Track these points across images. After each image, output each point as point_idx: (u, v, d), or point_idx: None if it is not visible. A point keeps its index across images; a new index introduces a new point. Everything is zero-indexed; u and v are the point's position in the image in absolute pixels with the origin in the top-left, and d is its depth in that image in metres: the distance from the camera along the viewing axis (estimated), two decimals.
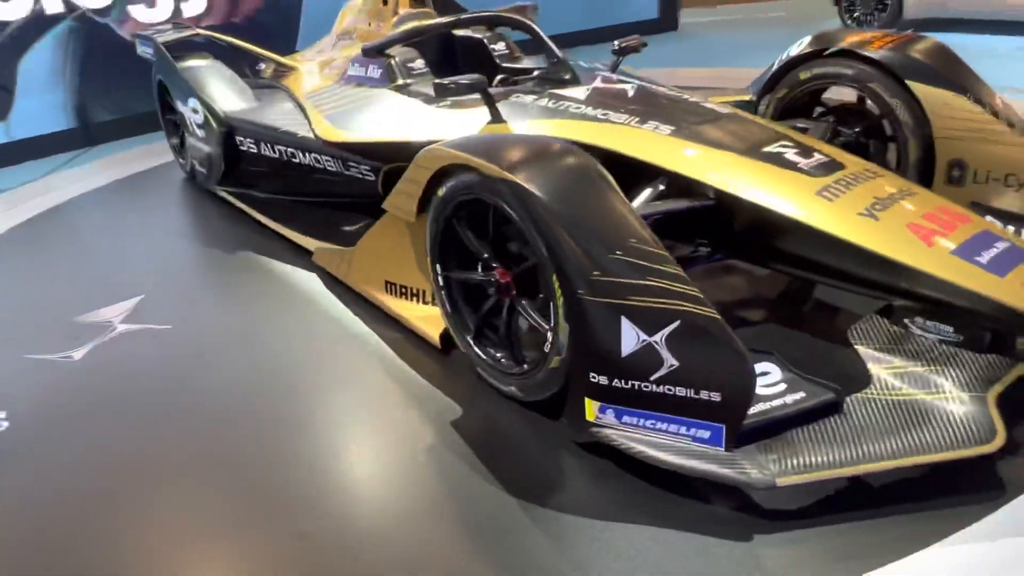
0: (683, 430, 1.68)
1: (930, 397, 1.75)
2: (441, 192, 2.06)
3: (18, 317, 3.05)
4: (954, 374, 1.79)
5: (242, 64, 4.36)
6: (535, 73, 2.98)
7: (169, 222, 3.97)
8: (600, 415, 1.77)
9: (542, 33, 3.02)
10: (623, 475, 1.79)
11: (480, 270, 2.13)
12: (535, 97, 2.70)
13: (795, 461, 1.62)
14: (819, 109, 2.96)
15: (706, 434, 1.66)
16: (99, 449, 2.16)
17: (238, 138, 3.65)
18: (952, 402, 1.72)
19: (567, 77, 2.80)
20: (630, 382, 1.68)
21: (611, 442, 1.75)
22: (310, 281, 3.04)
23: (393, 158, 2.93)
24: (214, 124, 3.69)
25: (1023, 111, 2.59)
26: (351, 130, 3.06)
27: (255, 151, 3.58)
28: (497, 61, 3.48)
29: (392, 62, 3.28)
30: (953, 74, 2.48)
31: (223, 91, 3.87)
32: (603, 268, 1.65)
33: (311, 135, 3.28)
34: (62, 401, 2.41)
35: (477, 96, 2.68)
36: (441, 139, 2.65)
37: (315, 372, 2.46)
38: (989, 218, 2.14)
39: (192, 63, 4.03)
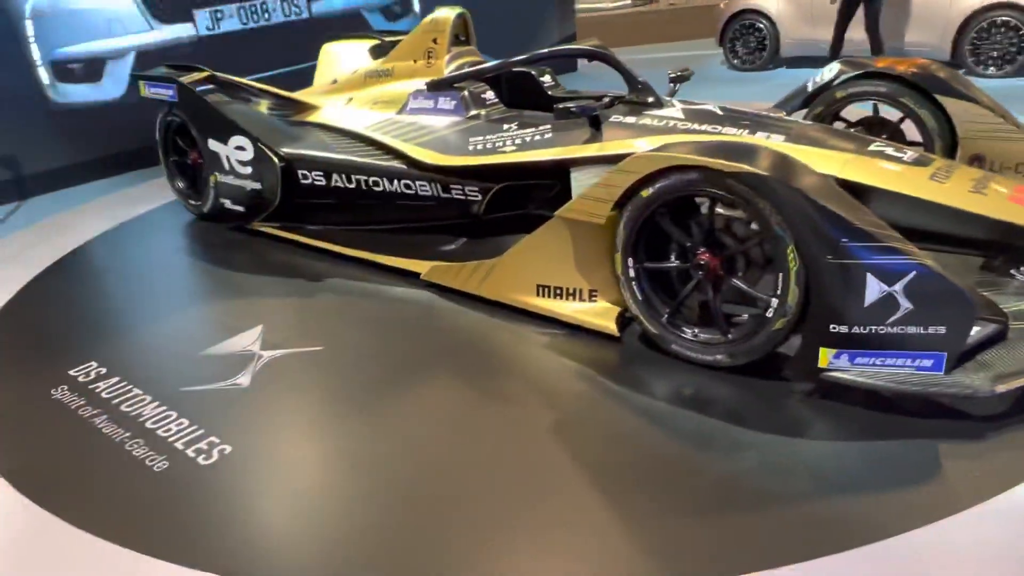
0: (908, 362, 2.12)
1: None
2: (647, 193, 2.40)
3: (144, 356, 2.96)
4: None
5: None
6: (605, 98, 3.35)
7: (219, 257, 3.94)
8: (833, 360, 2.17)
9: (621, 61, 3.43)
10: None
11: (673, 259, 2.49)
12: (636, 118, 3.09)
13: (993, 373, 2.10)
14: (839, 124, 3.58)
15: (929, 363, 2.10)
16: (339, 453, 2.26)
17: (301, 172, 3.73)
18: None
19: (651, 100, 3.22)
20: (868, 327, 2.10)
21: (841, 382, 2.16)
22: (413, 297, 3.24)
23: (508, 177, 3.21)
24: (272, 159, 3.75)
25: None
26: (459, 155, 3.28)
27: (323, 183, 3.68)
28: (547, 92, 3.86)
29: (465, 94, 3.56)
30: (967, 88, 3.17)
31: (271, 128, 3.93)
32: (850, 235, 2.06)
33: (396, 163, 3.46)
34: (265, 423, 2.45)
35: (581, 119, 3.06)
36: (563, 157, 3.02)
37: (488, 364, 2.68)
38: None
39: (231, 102, 4.05)
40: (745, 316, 2.44)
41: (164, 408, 2.54)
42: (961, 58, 6.96)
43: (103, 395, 2.66)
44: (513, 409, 2.43)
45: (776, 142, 2.78)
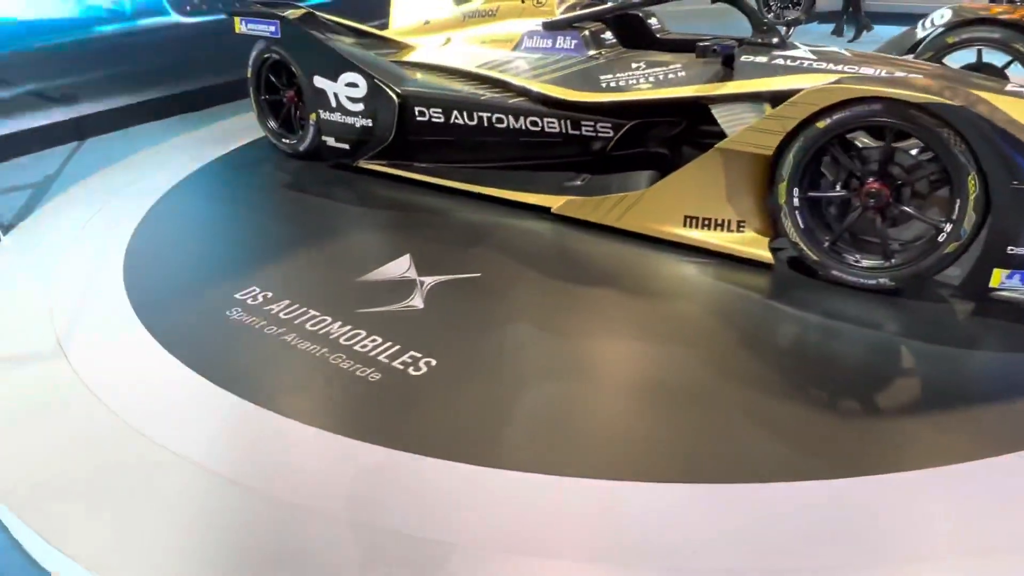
0: None
1: None
2: (823, 124, 2.53)
3: (303, 282, 3.05)
4: None
5: None
6: (739, 40, 3.44)
7: (330, 192, 4.00)
8: (1006, 280, 2.36)
9: (748, 2, 3.53)
10: None
11: (837, 188, 2.65)
12: (767, 58, 3.21)
13: None
14: None
15: None
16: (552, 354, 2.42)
17: (418, 108, 3.80)
18: None
19: (776, 41, 3.33)
20: None
21: (1012, 300, 2.36)
22: (544, 229, 3.39)
23: (642, 115, 3.32)
24: (390, 95, 3.81)
25: None
26: (594, 91, 3.38)
27: (441, 120, 3.76)
28: (655, 34, 3.95)
29: (586, 33, 3.64)
30: None
31: (380, 65, 3.98)
32: None
33: (522, 100, 3.55)
34: (455, 339, 2.58)
35: (712, 57, 3.17)
36: (703, 95, 3.13)
37: (648, 286, 2.84)
38: None
39: (335, 39, 4.08)
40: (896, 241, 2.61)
41: (350, 327, 2.65)
42: None
43: (282, 316, 2.76)
44: (687, 326, 2.60)
45: (925, 80, 2.93)
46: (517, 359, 2.48)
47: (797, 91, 2.87)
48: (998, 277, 2.37)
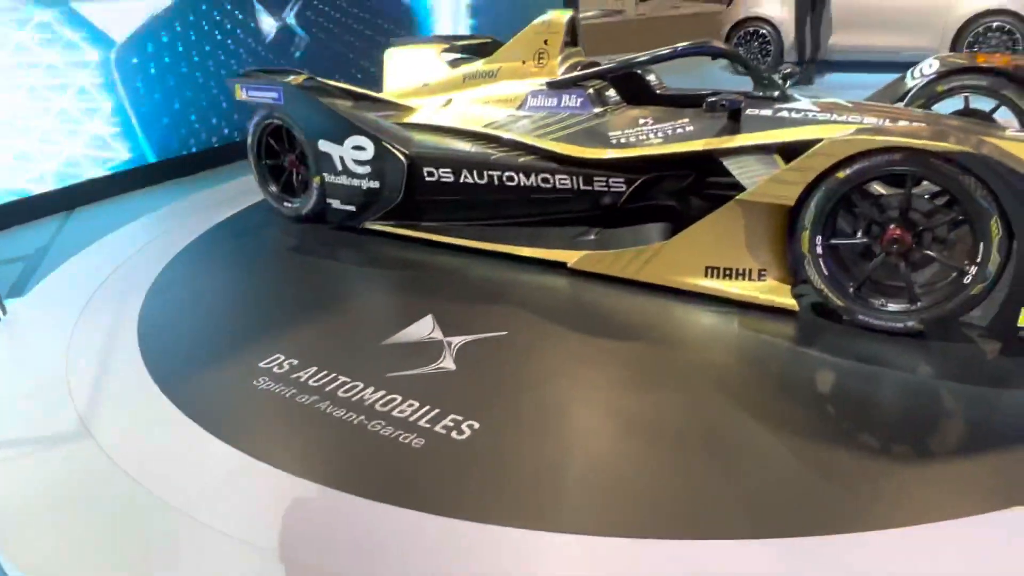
0: None
1: None
2: (843, 174, 2.61)
3: (327, 348, 3.01)
4: None
5: None
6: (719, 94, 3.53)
7: (339, 254, 4.01)
8: None
9: (746, 59, 3.65)
10: None
11: (859, 235, 2.71)
12: (772, 111, 3.31)
13: None
14: None
15: None
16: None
17: (427, 169, 3.83)
18: None
19: (777, 94, 3.44)
20: None
21: None
22: (561, 284, 3.42)
23: (654, 169, 3.39)
24: (399, 157, 3.84)
25: None
26: (605, 148, 3.44)
27: (450, 180, 3.79)
28: (654, 90, 4.06)
29: (591, 91, 3.73)
30: None
31: (386, 128, 4.02)
32: None
33: (532, 158, 3.60)
34: (493, 400, 2.56)
35: (717, 112, 3.26)
36: (713, 148, 3.21)
37: (673, 336, 2.86)
38: None
39: (338, 104, 4.12)
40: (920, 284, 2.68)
41: (384, 392, 2.62)
42: None
43: (311, 383, 2.72)
44: (721, 375, 2.61)
45: (924, 126, 3.04)
46: (559, 418, 2.46)
47: (805, 142, 2.98)
48: None
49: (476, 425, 2.40)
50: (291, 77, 4.30)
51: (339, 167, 4.08)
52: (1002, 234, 2.41)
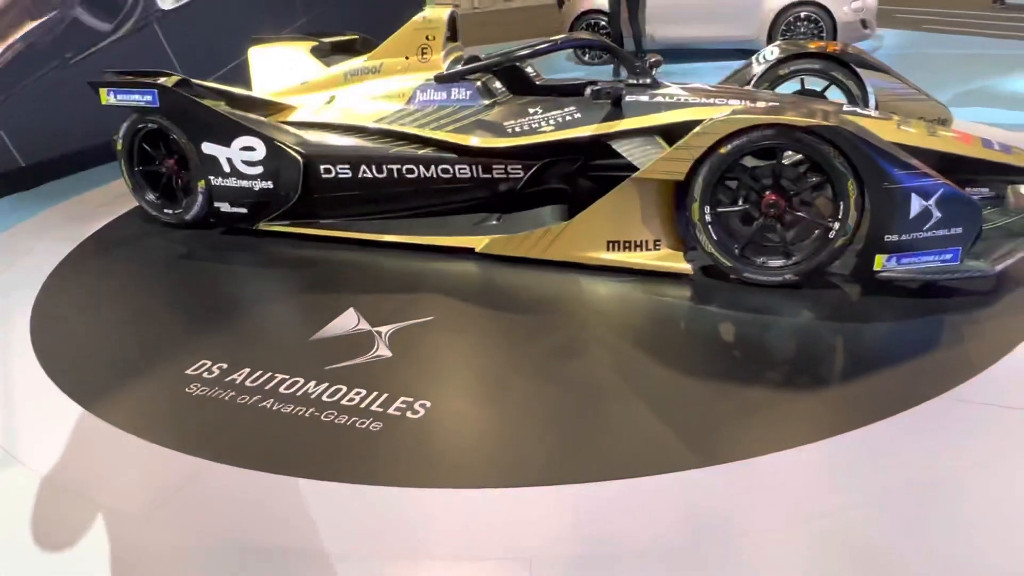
0: (936, 258, 2.88)
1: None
2: (724, 149, 2.96)
3: (253, 348, 2.99)
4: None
5: None
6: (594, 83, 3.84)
7: (237, 258, 3.94)
8: (886, 263, 2.89)
9: (620, 49, 3.95)
10: None
11: (740, 203, 3.08)
12: (649, 97, 3.64)
13: (988, 258, 2.92)
14: None
15: (949, 256, 2.88)
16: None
17: (323, 167, 3.85)
18: None
19: (649, 81, 3.79)
20: (912, 234, 2.83)
21: (890, 280, 2.89)
22: (470, 269, 3.58)
23: (549, 154, 3.63)
24: (293, 156, 3.83)
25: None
26: (502, 137, 3.63)
27: (348, 176, 3.84)
28: (533, 81, 4.30)
29: (479, 84, 3.91)
30: (877, 64, 4.10)
31: (273, 127, 3.99)
32: (899, 166, 2.77)
33: (430, 150, 3.73)
34: (438, 380, 2.69)
35: (601, 100, 3.56)
36: (601, 132, 3.51)
37: (586, 307, 3.13)
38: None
39: (219, 104, 4.03)
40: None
41: (327, 384, 2.68)
42: None
43: (248, 384, 2.72)
44: (630, 334, 2.91)
45: (777, 105, 3.48)
46: (504, 387, 2.64)
47: (684, 123, 3.34)
48: (880, 261, 2.89)
49: (428, 404, 2.53)
50: (163, 79, 4.15)
51: (227, 169, 4.00)
52: (857, 193, 2.85)
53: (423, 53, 4.19)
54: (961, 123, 4.34)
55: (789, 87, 4.35)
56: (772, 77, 4.23)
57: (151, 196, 4.37)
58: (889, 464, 2.12)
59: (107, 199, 4.99)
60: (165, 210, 4.34)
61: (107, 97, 4.19)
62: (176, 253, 4.06)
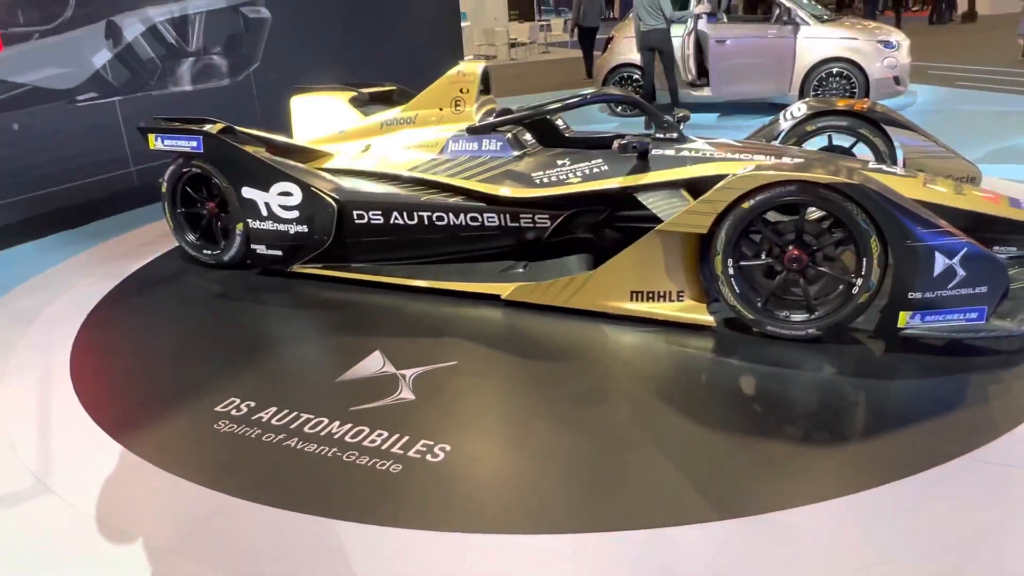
0: (960, 316, 2.87)
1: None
2: (747, 204, 3.00)
3: (281, 388, 3.07)
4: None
5: None
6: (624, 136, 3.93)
7: (270, 299, 4.06)
8: (910, 320, 2.88)
9: (648, 104, 4.05)
10: None
11: (763, 257, 3.12)
12: (675, 151, 3.72)
13: (1016, 318, 2.90)
14: None
15: (975, 315, 2.86)
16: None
17: (356, 212, 3.97)
18: None
19: (676, 136, 3.87)
20: (936, 292, 2.83)
21: (915, 337, 2.89)
22: (495, 315, 3.64)
23: (576, 205, 3.71)
24: (328, 201, 3.96)
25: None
26: (530, 187, 3.72)
27: (380, 222, 3.95)
28: (562, 133, 4.41)
29: (510, 136, 4.02)
30: (904, 121, 4.13)
31: (311, 173, 4.14)
32: (922, 225, 2.78)
33: (460, 198, 3.84)
34: (460, 424, 2.73)
35: (628, 153, 3.63)
36: (628, 185, 3.57)
37: (604, 355, 3.15)
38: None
39: (260, 151, 4.20)
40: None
41: (351, 425, 2.74)
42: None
43: (274, 423, 2.79)
44: (652, 384, 2.92)
45: (803, 160, 3.52)
46: (525, 432, 2.68)
47: (709, 178, 3.40)
48: (904, 318, 2.89)
49: (448, 447, 2.57)
50: (208, 126, 4.34)
51: (264, 213, 4.15)
52: (880, 250, 2.87)
53: (456, 105, 4.34)
54: (991, 180, 4.34)
55: (816, 143, 4.40)
56: (799, 133, 4.28)
57: (191, 237, 4.54)
58: (911, 522, 2.10)
59: (149, 239, 5.18)
60: (204, 251, 4.49)
61: (155, 143, 4.39)
62: (213, 292, 4.19)
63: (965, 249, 2.80)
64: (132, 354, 3.52)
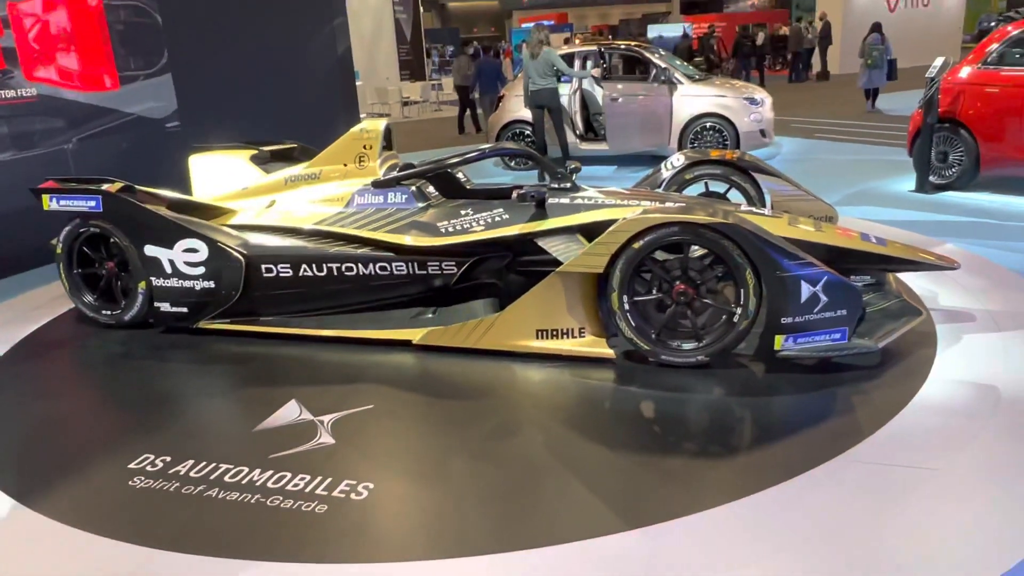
0: (826, 337, 3.23)
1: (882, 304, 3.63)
2: (638, 245, 3.29)
3: (195, 442, 3.07)
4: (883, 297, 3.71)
5: None
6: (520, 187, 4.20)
7: (176, 356, 4.02)
8: (784, 343, 3.23)
9: (543, 157, 4.34)
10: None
11: (654, 292, 3.41)
12: (570, 199, 4.01)
13: (871, 337, 3.30)
14: None
15: (838, 335, 3.24)
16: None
17: (264, 266, 4.03)
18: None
19: (569, 186, 4.17)
20: (804, 316, 3.19)
21: (789, 358, 3.23)
22: (406, 359, 3.76)
23: (480, 252, 3.91)
24: (236, 256, 4.00)
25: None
26: (436, 237, 3.90)
27: (289, 274, 4.02)
28: (463, 185, 4.64)
29: (414, 189, 4.21)
30: (770, 170, 4.61)
31: (215, 229, 4.17)
32: (788, 258, 3.15)
33: (367, 249, 3.97)
34: (380, 464, 2.83)
35: (527, 202, 3.90)
36: (528, 231, 3.83)
37: (514, 391, 3.34)
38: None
39: (161, 208, 4.20)
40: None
41: (272, 471, 2.78)
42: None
43: (192, 475, 2.79)
44: (559, 414, 3.13)
45: (682, 204, 3.88)
46: (443, 466, 2.81)
47: (601, 223, 3.69)
48: (779, 341, 3.23)
49: (371, 485, 2.66)
50: (106, 185, 4.31)
51: (169, 270, 4.13)
52: (755, 281, 3.22)
53: (360, 160, 4.50)
54: (846, 219, 4.87)
55: (694, 190, 4.82)
56: (679, 181, 4.69)
57: (89, 298, 4.44)
58: (796, 518, 2.37)
59: (40, 302, 5.00)
60: (103, 311, 4.40)
61: (49, 203, 4.31)
62: (114, 353, 4.11)
63: (826, 278, 3.18)
64: (32, 419, 3.41)
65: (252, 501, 2.60)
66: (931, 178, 6.94)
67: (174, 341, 4.19)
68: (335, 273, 4.01)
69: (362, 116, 10.73)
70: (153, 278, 4.18)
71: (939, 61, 6.75)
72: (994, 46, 6.68)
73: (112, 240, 4.26)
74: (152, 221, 4.14)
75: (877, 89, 13.51)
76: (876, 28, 13.37)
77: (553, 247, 3.77)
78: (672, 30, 26.02)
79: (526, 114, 9.40)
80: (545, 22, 26.80)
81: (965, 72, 6.75)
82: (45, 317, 4.70)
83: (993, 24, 14.10)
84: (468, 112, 14.50)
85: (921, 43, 21.38)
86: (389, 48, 21.16)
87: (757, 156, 4.97)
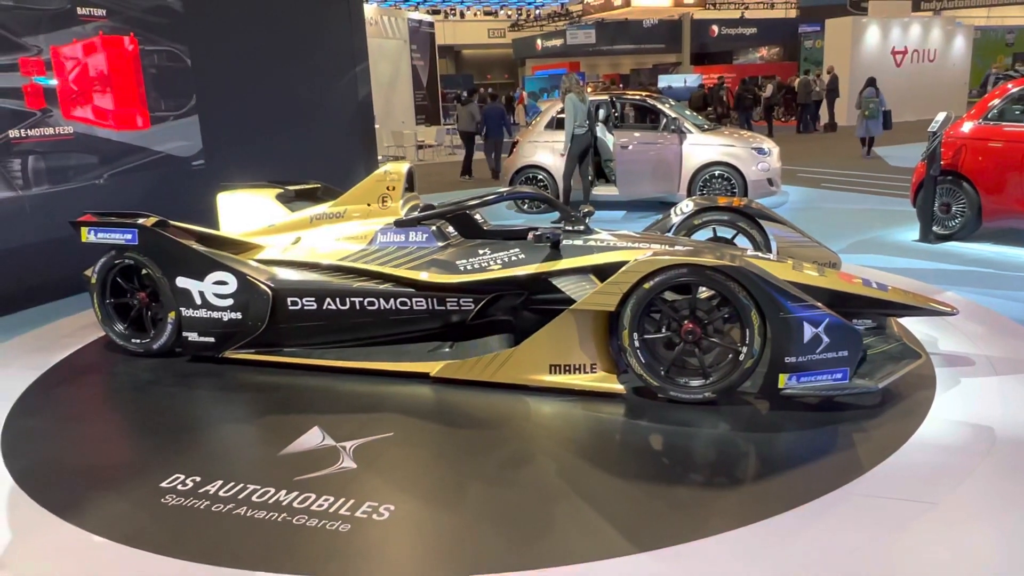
0: (828, 377, 3.38)
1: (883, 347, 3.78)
2: (648, 285, 3.47)
3: (224, 463, 3.22)
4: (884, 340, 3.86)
5: None
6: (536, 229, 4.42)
7: (203, 383, 4.19)
8: (788, 382, 3.37)
9: (557, 201, 4.55)
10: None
11: (663, 331, 3.57)
12: (583, 241, 4.20)
13: (873, 378, 3.44)
14: None
15: (839, 375, 3.38)
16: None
17: (290, 299, 4.21)
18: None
19: (583, 228, 4.36)
20: (807, 356, 3.33)
21: (792, 396, 3.37)
22: (423, 391, 3.92)
23: (497, 289, 4.09)
24: (264, 289, 4.20)
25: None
26: (455, 274, 4.08)
27: (314, 308, 4.21)
28: (481, 226, 4.85)
29: (434, 228, 4.42)
30: (776, 217, 4.80)
31: (244, 263, 4.38)
32: (791, 300, 3.31)
33: (389, 285, 4.16)
34: (400, 488, 2.96)
35: (545, 242, 4.09)
36: (543, 271, 4.00)
37: (527, 423, 3.48)
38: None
39: (193, 242, 4.42)
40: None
41: (297, 493, 2.92)
42: None
43: (222, 494, 2.94)
44: (575, 445, 3.26)
45: (691, 247, 4.06)
46: (460, 491, 2.93)
47: (613, 264, 3.87)
48: (783, 380, 3.38)
49: (392, 507, 2.80)
50: (142, 220, 4.53)
51: (199, 301, 4.33)
52: (760, 322, 3.37)
53: (383, 201, 4.72)
54: (849, 266, 5.03)
55: (702, 235, 5.00)
56: (688, 226, 4.88)
57: (119, 327, 4.63)
58: (798, 545, 2.49)
59: (70, 330, 5.20)
60: (133, 340, 4.59)
61: (88, 236, 4.53)
62: (143, 379, 4.28)
63: (828, 320, 3.34)
64: (67, 440, 3.57)
65: (279, 519, 2.74)
66: (934, 228, 7.12)
67: (200, 370, 4.36)
68: (358, 307, 4.19)
69: (379, 158, 11.06)
70: (183, 308, 4.37)
71: (941, 116, 6.98)
72: (995, 102, 6.92)
73: (144, 271, 4.47)
74: (185, 254, 4.35)
75: (873, 137, 14.42)
76: (871, 82, 14.23)
77: (566, 286, 3.95)
78: (681, 80, 26.64)
79: (540, 160, 9.70)
80: (558, 70, 27.50)
81: (967, 127, 6.98)
82: (75, 345, 4.89)
83: (994, 80, 14.58)
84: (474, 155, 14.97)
85: (927, 97, 21.82)
86: (406, 93, 21.68)
87: (764, 204, 5.16)
